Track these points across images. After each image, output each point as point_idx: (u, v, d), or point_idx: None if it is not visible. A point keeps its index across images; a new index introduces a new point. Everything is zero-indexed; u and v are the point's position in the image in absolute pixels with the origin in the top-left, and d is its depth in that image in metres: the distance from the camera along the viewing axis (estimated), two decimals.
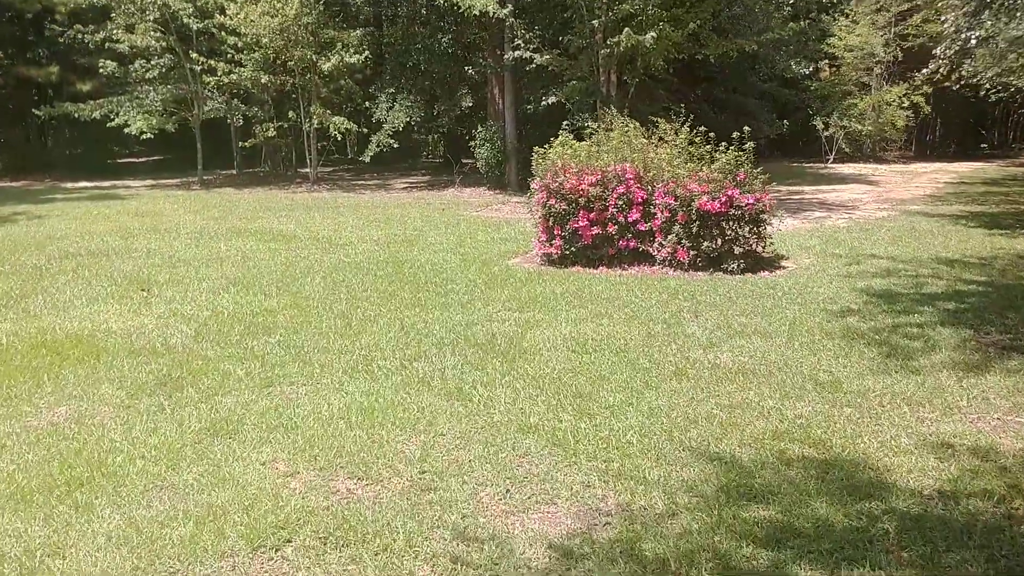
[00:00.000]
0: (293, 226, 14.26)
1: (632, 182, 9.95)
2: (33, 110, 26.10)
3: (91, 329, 7.05)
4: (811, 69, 29.87)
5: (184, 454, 4.50)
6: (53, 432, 4.82)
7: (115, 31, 23.16)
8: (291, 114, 23.39)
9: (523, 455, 4.51)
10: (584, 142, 10.74)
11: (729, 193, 9.60)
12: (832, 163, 28.98)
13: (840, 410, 5.14)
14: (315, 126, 22.60)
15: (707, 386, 5.62)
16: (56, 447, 4.60)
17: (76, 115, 24.92)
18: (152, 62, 24.00)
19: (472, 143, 21.58)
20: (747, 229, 9.78)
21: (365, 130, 22.12)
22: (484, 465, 4.38)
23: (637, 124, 10.92)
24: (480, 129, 21.19)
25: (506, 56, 18.67)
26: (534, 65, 16.73)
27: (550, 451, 4.56)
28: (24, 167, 29.66)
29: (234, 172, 27.42)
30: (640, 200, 9.91)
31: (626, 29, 14.08)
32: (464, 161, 23.84)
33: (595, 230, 10.01)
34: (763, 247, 10.15)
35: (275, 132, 23.53)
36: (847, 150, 29.60)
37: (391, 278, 9.51)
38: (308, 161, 23.97)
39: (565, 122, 17.38)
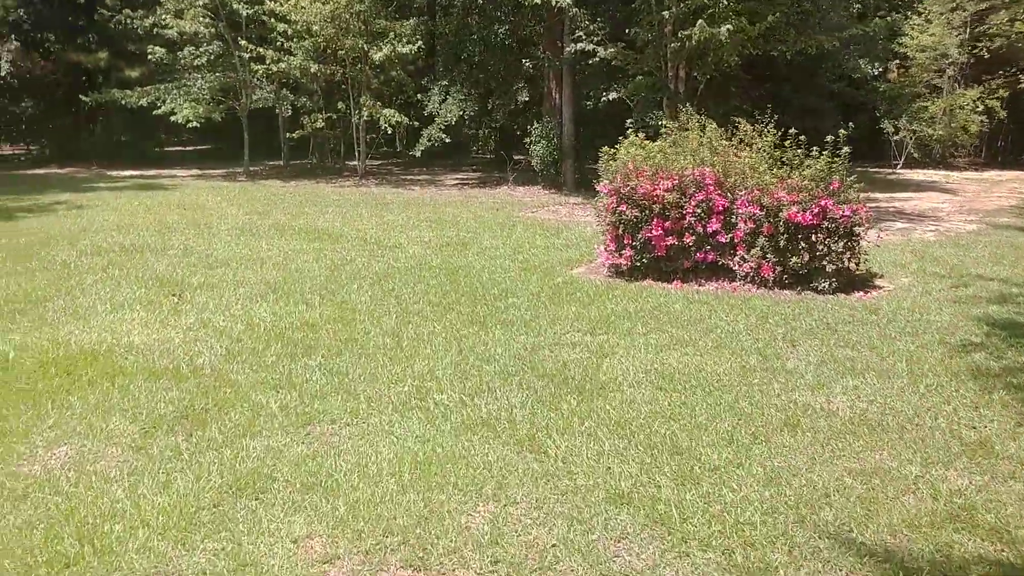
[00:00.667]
0: (339, 224, 13.47)
1: (712, 188, 8.97)
2: (81, 96, 25.71)
3: (110, 343, 6.26)
4: (880, 69, 28.48)
5: (199, 522, 3.66)
6: (46, 483, 4.01)
7: (164, 16, 22.67)
8: (340, 105, 22.68)
9: (619, 538, 3.61)
10: (658, 142, 9.79)
11: (823, 203, 8.59)
12: (900, 168, 27.60)
13: (1005, 484, 4.16)
14: (365, 118, 21.88)
15: (827, 442, 4.67)
16: (45, 506, 3.78)
17: (123, 102, 24.49)
18: (201, 49, 23.50)
19: (527, 140, 20.66)
20: (841, 244, 8.76)
21: (416, 123, 21.28)
22: (572, 553, 3.47)
23: (715, 124, 9.93)
24: (536, 125, 20.27)
25: (567, 49, 17.71)
26: (598, 59, 15.76)
27: (652, 532, 3.65)
28: (71, 154, 29.44)
29: (281, 163, 26.81)
30: (721, 209, 8.94)
31: (700, 21, 13.08)
32: (516, 158, 22.96)
33: (670, 240, 9.05)
34: (856, 264, 9.13)
35: (323, 123, 22.87)
36: (915, 155, 28.18)
37: (445, 288, 8.64)
38: (356, 154, 23.26)
39: (629, 120, 16.38)
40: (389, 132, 24.71)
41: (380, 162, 28.18)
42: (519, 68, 22.40)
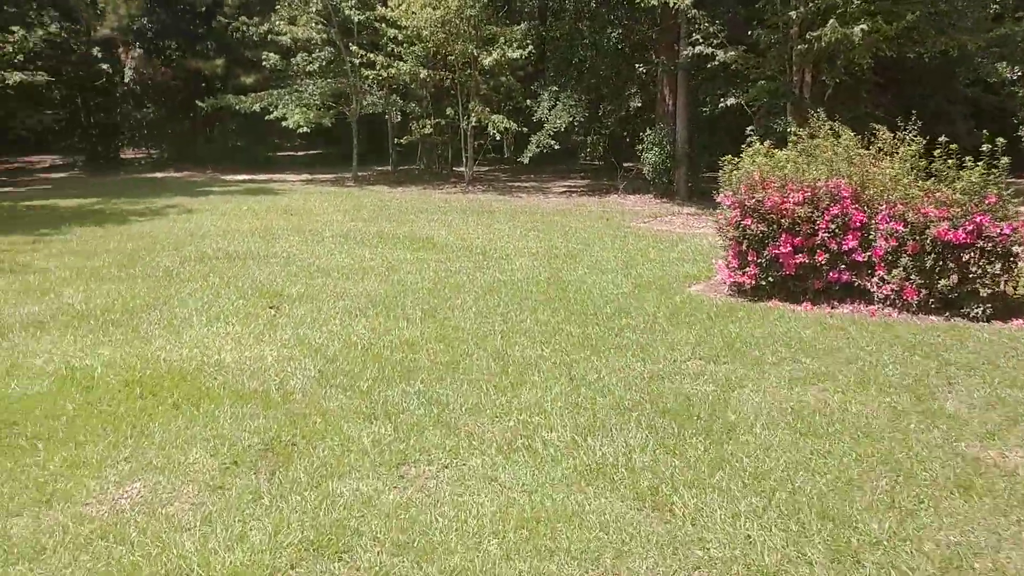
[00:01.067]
0: (445, 232, 13.08)
1: (849, 202, 8.16)
2: (197, 101, 26.26)
3: (200, 361, 5.93)
4: (1020, 73, 26.59)
5: None
6: (112, 529, 3.61)
7: (278, 23, 22.90)
8: (449, 111, 22.41)
9: None
10: (787, 151, 9.01)
11: (977, 220, 7.67)
12: None
13: None
14: (473, 124, 21.55)
15: (1010, 510, 3.91)
16: (107, 559, 3.38)
17: (238, 107, 24.86)
18: (313, 55, 23.65)
19: (639, 147, 19.94)
20: (997, 266, 7.81)
21: (525, 129, 20.82)
22: None
23: (851, 132, 9.09)
24: (648, 132, 19.54)
25: (683, 53, 16.96)
26: (717, 62, 14.96)
27: None
28: (188, 158, 30.16)
29: (389, 169, 26.77)
30: (858, 224, 8.11)
31: (831, 21, 12.16)
32: (625, 165, 22.25)
33: (800, 258, 8.27)
34: (1015, 288, 8.17)
35: (432, 129, 22.64)
36: None
37: (553, 304, 8.08)
38: (464, 160, 22.94)
39: (750, 127, 15.46)
40: (497, 138, 24.35)
41: (487, 168, 27.83)
42: (631, 73, 21.70)
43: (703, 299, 8.50)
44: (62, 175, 27.64)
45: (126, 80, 30.42)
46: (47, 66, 27.87)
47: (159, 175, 27.07)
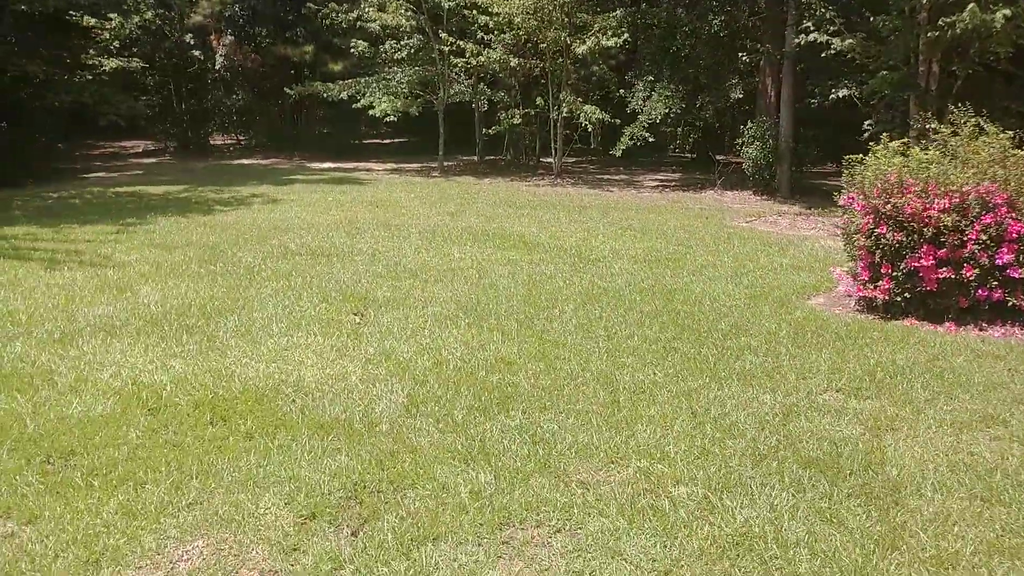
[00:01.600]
0: (536, 229, 12.37)
1: (1004, 210, 7.18)
2: (286, 88, 26.11)
3: (278, 379, 5.34)
4: None
5: None
6: None
7: (368, 9, 22.50)
8: (539, 101, 21.67)
9: None
10: (931, 152, 8.04)
11: None
12: None
13: None
14: (563, 114, 20.79)
15: None
16: None
17: (325, 95, 24.60)
18: (401, 43, 23.20)
19: (739, 140, 18.91)
20: None
21: (618, 120, 19.94)
22: None
23: (1004, 129, 8.06)
24: (750, 125, 18.49)
25: (794, 40, 15.89)
26: (832, 51, 13.88)
27: None
28: (275, 145, 30.14)
29: (475, 159, 26.19)
30: (1015, 236, 7.13)
31: (971, 6, 11.01)
32: (718, 158, 21.21)
33: (943, 272, 7.32)
34: None
35: (521, 119, 21.96)
36: None
37: (661, 318, 7.31)
38: (552, 151, 22.19)
39: (868, 122, 14.39)
40: (590, 129, 23.55)
41: (574, 160, 27.02)
42: (733, 62, 20.64)
43: (827, 315, 7.62)
44: (153, 160, 27.83)
45: (217, 67, 30.53)
46: (141, 53, 28.10)
47: (246, 162, 27.03)
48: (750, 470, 4.25)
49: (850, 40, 13.52)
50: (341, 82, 24.46)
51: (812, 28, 14.70)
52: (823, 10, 14.25)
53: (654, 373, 5.80)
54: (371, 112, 22.87)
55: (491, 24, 20.40)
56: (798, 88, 18.44)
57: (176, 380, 5.22)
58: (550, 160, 23.05)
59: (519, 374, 5.66)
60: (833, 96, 16.13)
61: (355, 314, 7.09)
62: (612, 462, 4.31)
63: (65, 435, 4.36)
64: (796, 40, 15.87)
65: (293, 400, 4.96)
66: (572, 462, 4.29)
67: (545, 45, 20.26)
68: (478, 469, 4.14)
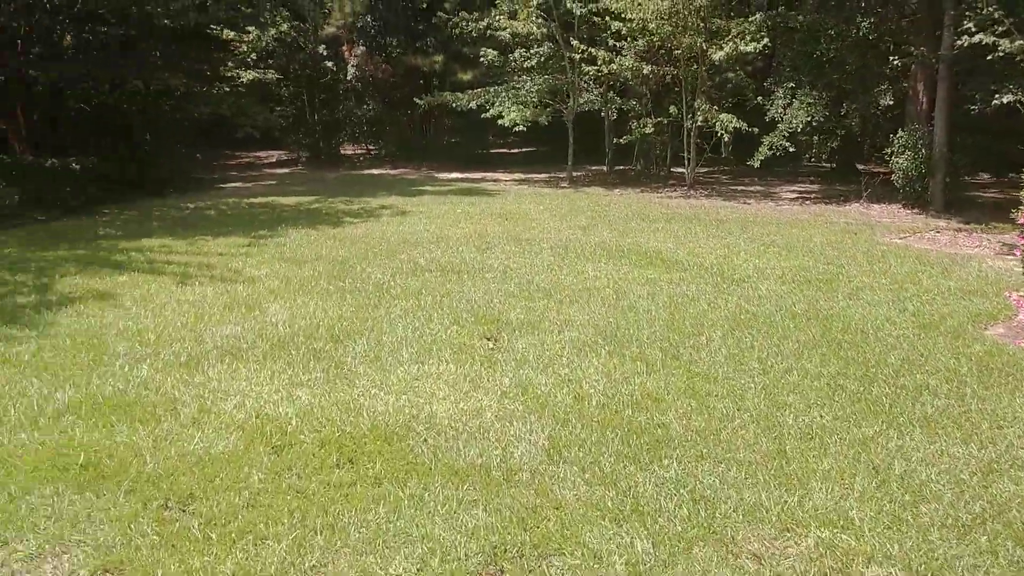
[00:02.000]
0: (672, 245, 11.76)
1: None
2: (415, 99, 26.23)
3: (408, 414, 4.95)
4: None
5: None
6: None
7: (498, 17, 22.31)
8: (672, 109, 20.97)
9: None
10: None
11: None
12: None
13: None
14: (698, 123, 20.03)
15: None
16: None
17: (454, 105, 24.57)
18: (532, 51, 22.90)
19: (887, 150, 17.72)
20: None
21: (755, 129, 19.03)
22: None
23: None
24: (900, 133, 17.29)
25: (956, 43, 14.71)
26: (1001, 53, 12.74)
27: None
28: (404, 155, 30.36)
29: (604, 169, 25.61)
30: None
31: None
32: (860, 168, 19.97)
33: None
34: None
35: (653, 128, 21.30)
36: None
37: (820, 348, 6.63)
38: (685, 161, 21.43)
39: None
40: (725, 139, 22.68)
41: (705, 170, 26.10)
42: (881, 67, 19.41)
43: (1013, 349, 6.77)
44: (285, 171, 28.44)
45: (349, 77, 31.01)
46: (277, 64, 28.82)
47: (376, 172, 27.28)
48: (954, 546, 3.61)
49: (1021, 41, 12.36)
50: (470, 92, 24.38)
51: (975, 29, 13.56)
52: (990, 9, 13.09)
53: (821, 415, 5.17)
54: (500, 122, 22.67)
55: (624, 31, 19.85)
56: (952, 93, 17.15)
57: (302, 413, 4.90)
58: (681, 170, 22.31)
59: (668, 413, 5.13)
60: (996, 102, 14.86)
61: (488, 339, 6.70)
62: (787, 529, 3.74)
63: (185, 475, 4.08)
64: (956, 42, 14.69)
65: (425, 440, 4.57)
66: (740, 527, 3.74)
67: (679, 51, 19.58)
68: (633, 533, 3.64)
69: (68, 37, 19.81)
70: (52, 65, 17.83)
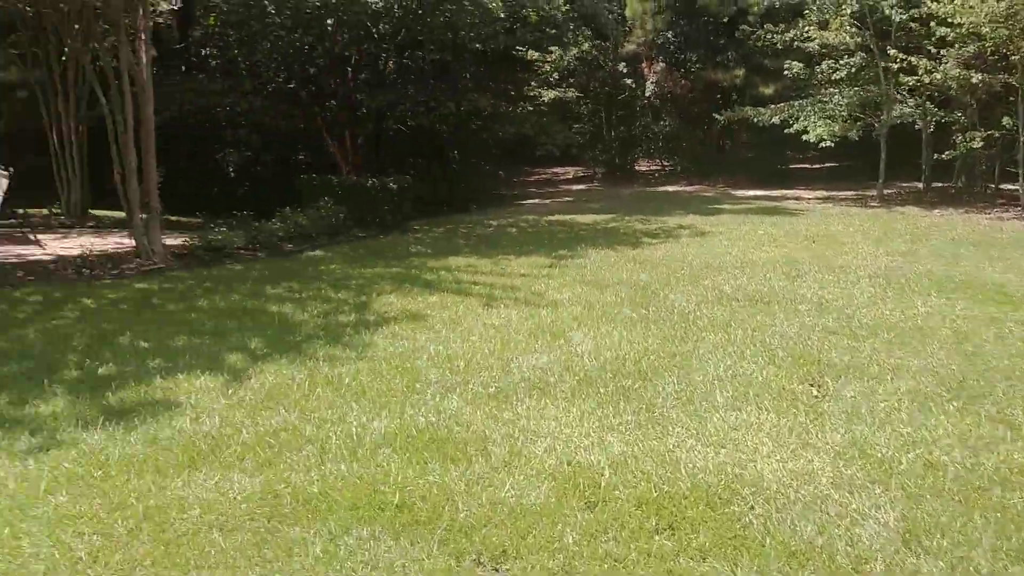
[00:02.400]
0: (1016, 278, 10.39)
1: None
2: (713, 114, 25.64)
3: (731, 473, 4.52)
4: None
5: None
6: None
7: (807, 28, 21.27)
8: (1006, 120, 18.84)
9: None
10: None
11: None
12: None
13: None
14: None
15: None
16: None
17: (755, 120, 23.74)
18: (840, 62, 21.57)
19: None
20: None
21: None
22: None
23: None
24: None
25: None
26: None
27: None
28: (699, 171, 29.85)
29: (919, 186, 23.57)
30: None
31: None
32: None
33: None
34: None
35: (982, 142, 19.27)
36: None
37: None
38: (1020, 178, 19.16)
39: None
40: None
41: None
42: None
43: None
44: (581, 187, 28.90)
45: (647, 93, 30.99)
46: (577, 83, 29.37)
47: (671, 188, 27.00)
48: None
49: None
50: (772, 106, 23.48)
51: None
52: None
53: None
54: (805, 137, 21.57)
55: (951, 36, 18.13)
56: None
57: (615, 463, 4.65)
58: (1013, 187, 20.00)
59: None
60: None
61: (811, 384, 6.15)
62: None
63: (497, 528, 3.94)
64: None
65: (752, 507, 4.15)
66: None
67: (1017, 56, 17.56)
68: None
69: (391, 64, 21.36)
70: (378, 91, 19.29)
